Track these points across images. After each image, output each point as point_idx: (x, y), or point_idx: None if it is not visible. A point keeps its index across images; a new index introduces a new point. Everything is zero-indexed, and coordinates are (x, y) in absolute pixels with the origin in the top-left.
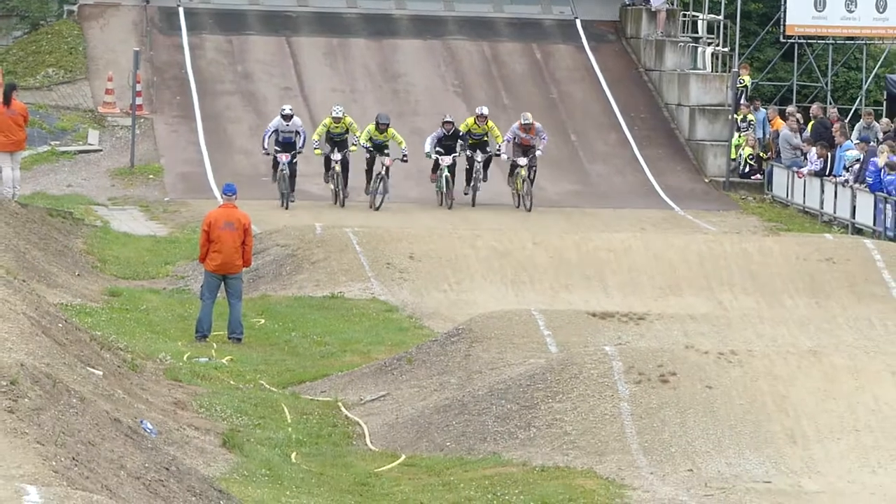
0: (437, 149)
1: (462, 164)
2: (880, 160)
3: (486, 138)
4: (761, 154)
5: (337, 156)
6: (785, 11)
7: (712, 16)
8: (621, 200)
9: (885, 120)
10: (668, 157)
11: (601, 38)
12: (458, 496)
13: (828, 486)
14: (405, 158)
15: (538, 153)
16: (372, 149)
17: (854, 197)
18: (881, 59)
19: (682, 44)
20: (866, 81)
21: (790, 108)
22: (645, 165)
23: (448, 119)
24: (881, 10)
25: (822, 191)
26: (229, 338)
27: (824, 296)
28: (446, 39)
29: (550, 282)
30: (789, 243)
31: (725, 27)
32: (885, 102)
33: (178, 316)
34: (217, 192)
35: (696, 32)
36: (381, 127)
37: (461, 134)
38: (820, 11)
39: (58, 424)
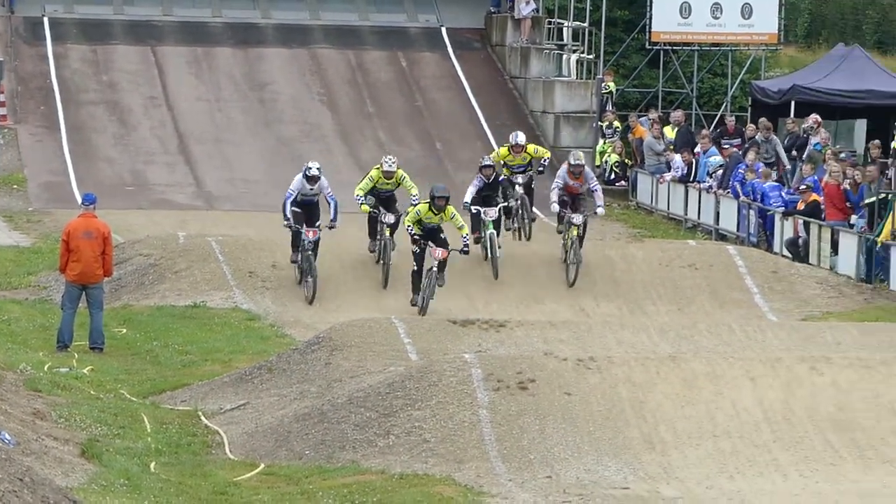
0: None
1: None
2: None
3: (529, 170)
4: (626, 161)
5: (389, 218)
6: (650, 18)
7: (577, 23)
8: None
9: (751, 126)
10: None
11: (466, 46)
12: None
13: (686, 491)
14: (465, 249)
15: (599, 211)
16: (421, 235)
17: (718, 203)
18: (746, 66)
19: (547, 51)
20: (732, 88)
21: (652, 115)
22: None
23: (487, 163)
24: (746, 16)
25: (686, 197)
26: (90, 348)
27: (686, 302)
28: (312, 48)
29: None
30: (653, 249)
31: (591, 34)
32: (749, 108)
33: (39, 326)
34: None
35: (562, 39)
36: (439, 204)
37: (501, 179)
38: (685, 18)
39: None
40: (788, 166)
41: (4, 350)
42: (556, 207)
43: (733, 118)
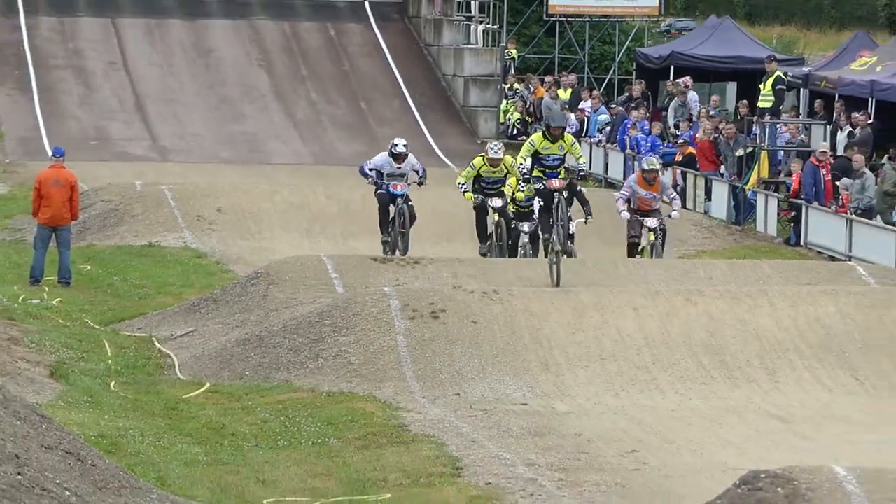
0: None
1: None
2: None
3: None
4: (527, 118)
5: (497, 202)
6: None
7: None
8: None
9: (637, 87)
10: (445, 121)
11: (387, 18)
12: (255, 418)
13: (577, 406)
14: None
15: (674, 215)
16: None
17: (606, 155)
18: (631, 35)
19: (457, 22)
20: (619, 54)
21: (548, 78)
22: (425, 129)
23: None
24: None
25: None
26: (59, 282)
27: (578, 241)
28: (252, 20)
29: (340, 230)
30: None
31: (495, 7)
32: (634, 73)
33: (14, 264)
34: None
35: (470, 12)
36: (555, 133)
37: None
38: None
39: None
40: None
41: None
42: (626, 215)
43: (641, 83)
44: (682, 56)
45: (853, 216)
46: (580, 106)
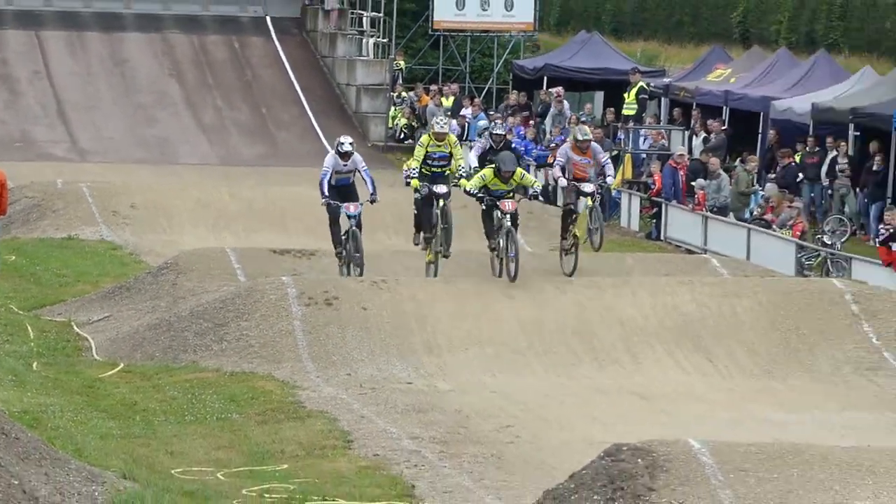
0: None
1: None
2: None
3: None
4: (413, 123)
5: (441, 189)
6: (432, 10)
7: (374, 13)
8: (301, 161)
9: (513, 96)
10: (339, 126)
11: (286, 32)
12: (164, 396)
13: (457, 386)
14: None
15: (609, 180)
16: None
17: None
18: (509, 48)
19: (350, 36)
20: (497, 66)
21: (433, 87)
22: (320, 132)
23: (499, 131)
24: (509, 8)
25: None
26: None
27: (462, 236)
28: (163, 33)
29: (242, 226)
30: None
31: (385, 22)
32: (511, 83)
33: None
34: None
35: (362, 27)
36: (505, 176)
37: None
38: (460, 10)
39: None
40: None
41: None
42: (563, 182)
43: (521, 94)
44: (554, 67)
45: (708, 213)
46: (461, 113)
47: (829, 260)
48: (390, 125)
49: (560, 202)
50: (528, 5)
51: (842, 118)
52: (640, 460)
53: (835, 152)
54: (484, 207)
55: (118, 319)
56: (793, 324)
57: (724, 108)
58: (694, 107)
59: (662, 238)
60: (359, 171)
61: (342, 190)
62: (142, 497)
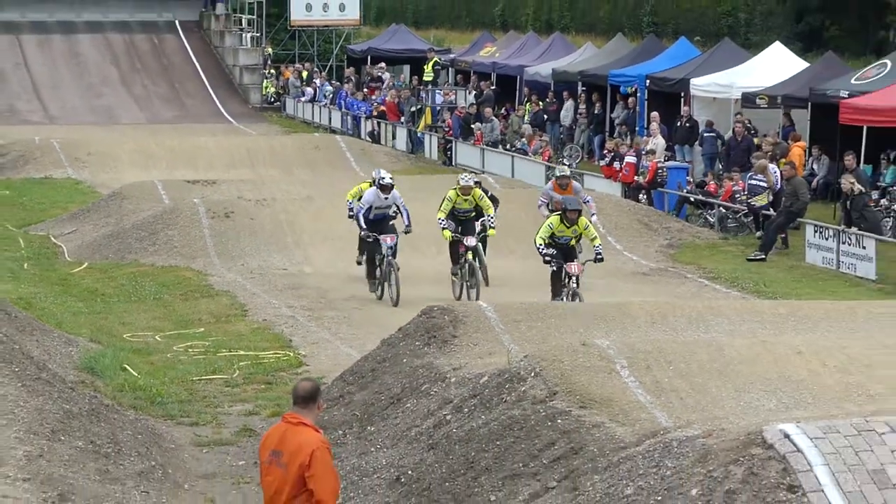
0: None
1: None
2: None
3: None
4: (279, 91)
5: (471, 241)
6: (289, 12)
7: (250, 16)
8: (203, 119)
9: (349, 71)
10: (228, 95)
11: (189, 31)
12: (116, 284)
13: (318, 270)
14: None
15: (594, 219)
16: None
17: (330, 113)
18: (343, 36)
19: (234, 31)
20: (335, 49)
21: (297, 66)
22: (216, 99)
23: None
24: (342, 10)
25: (313, 109)
26: None
27: (317, 169)
28: (105, 34)
29: (165, 164)
30: (295, 138)
31: (257, 21)
32: (346, 61)
33: None
34: None
35: (241, 25)
36: (571, 217)
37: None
38: (309, 12)
39: None
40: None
41: None
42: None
43: (352, 69)
44: (375, 50)
45: (484, 146)
46: (314, 81)
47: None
48: (263, 93)
49: None
50: (356, 6)
51: (573, 78)
52: (446, 317)
53: (570, 101)
54: (554, 269)
55: (82, 232)
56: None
57: (493, 73)
58: (472, 73)
59: (454, 164)
60: (397, 206)
61: (379, 223)
62: (104, 354)
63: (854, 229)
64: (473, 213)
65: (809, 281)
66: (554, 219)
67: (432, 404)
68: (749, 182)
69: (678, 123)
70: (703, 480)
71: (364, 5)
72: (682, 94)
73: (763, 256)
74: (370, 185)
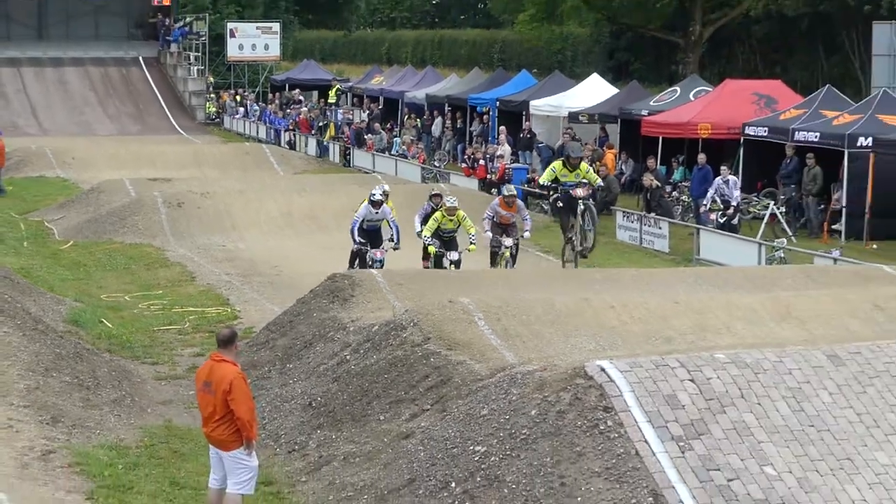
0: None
1: None
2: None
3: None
4: (219, 111)
5: (454, 255)
6: (226, 51)
7: (196, 53)
8: (161, 132)
9: (273, 96)
10: (180, 113)
11: (150, 64)
12: (95, 257)
13: (249, 246)
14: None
15: (526, 235)
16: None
17: (257, 126)
18: (268, 69)
19: (184, 65)
20: (262, 79)
21: (232, 91)
22: (171, 117)
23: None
24: (266, 49)
25: (245, 125)
26: None
27: (247, 170)
28: (85, 67)
29: (131, 166)
30: (231, 146)
31: (202, 57)
32: (270, 87)
33: None
34: None
35: (190, 60)
36: (574, 162)
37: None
38: (241, 50)
39: None
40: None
41: None
42: (489, 234)
43: (276, 94)
44: (293, 79)
45: (376, 153)
46: (245, 103)
47: (437, 174)
48: (206, 112)
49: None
50: (276, 46)
51: (442, 101)
52: (346, 281)
53: (439, 118)
54: (560, 204)
55: (68, 218)
56: None
57: (380, 97)
58: (365, 97)
59: (352, 165)
60: (387, 221)
61: (370, 234)
62: (85, 310)
63: (652, 215)
64: (456, 232)
65: (619, 254)
66: (557, 163)
67: (336, 347)
68: None
69: (521, 135)
70: (540, 403)
71: (283, 45)
72: (524, 113)
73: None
74: (443, 214)
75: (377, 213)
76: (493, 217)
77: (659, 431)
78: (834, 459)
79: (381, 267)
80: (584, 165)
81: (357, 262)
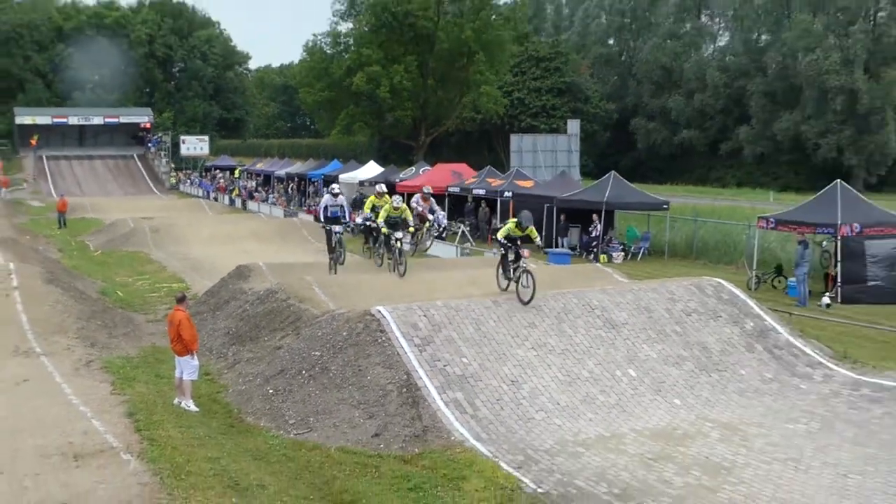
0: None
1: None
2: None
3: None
4: (176, 182)
5: (399, 234)
6: (180, 149)
7: (164, 152)
8: (146, 194)
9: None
10: (157, 183)
11: (141, 159)
12: (112, 259)
13: (194, 253)
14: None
15: (443, 222)
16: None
17: (199, 190)
18: (203, 158)
19: (158, 158)
20: (200, 164)
21: (183, 171)
22: (152, 185)
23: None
24: (202, 149)
25: (190, 188)
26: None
27: (193, 211)
28: (104, 161)
29: (131, 211)
30: (185, 200)
31: (169, 151)
32: (204, 169)
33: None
34: None
35: (161, 156)
36: (525, 225)
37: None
38: (189, 149)
39: None
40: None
41: None
42: (385, 228)
43: (217, 171)
44: (216, 165)
45: (260, 202)
46: (191, 177)
47: (292, 213)
48: (170, 183)
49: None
50: (206, 147)
51: (293, 176)
52: (244, 270)
53: (293, 184)
54: (503, 252)
55: (97, 238)
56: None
57: (262, 174)
58: (253, 174)
59: (247, 210)
60: (343, 207)
61: (332, 219)
62: (107, 287)
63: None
64: (402, 219)
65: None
66: (511, 224)
67: (240, 303)
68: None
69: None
70: (347, 328)
71: (210, 147)
72: (337, 182)
73: None
74: (375, 198)
75: (336, 201)
76: (415, 210)
77: (408, 341)
78: (496, 355)
79: (340, 236)
80: (531, 229)
81: (328, 240)
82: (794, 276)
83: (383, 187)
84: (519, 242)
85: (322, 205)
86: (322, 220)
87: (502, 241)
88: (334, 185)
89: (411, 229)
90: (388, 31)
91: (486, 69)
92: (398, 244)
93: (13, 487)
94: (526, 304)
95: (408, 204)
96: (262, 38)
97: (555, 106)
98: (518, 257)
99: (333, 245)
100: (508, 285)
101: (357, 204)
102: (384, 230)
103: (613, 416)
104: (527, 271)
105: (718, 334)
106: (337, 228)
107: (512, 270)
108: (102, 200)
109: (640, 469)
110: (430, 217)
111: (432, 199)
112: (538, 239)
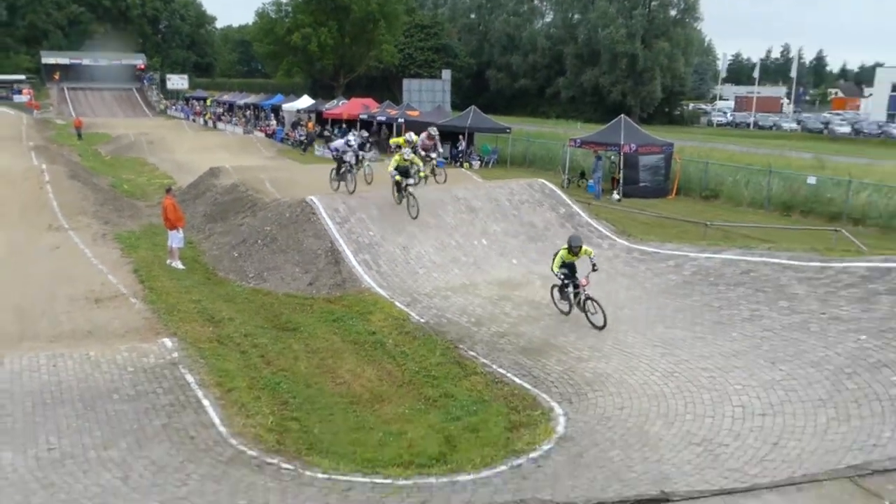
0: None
1: None
2: None
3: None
4: (166, 108)
5: (411, 181)
6: (167, 85)
7: (155, 87)
8: (142, 116)
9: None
10: (150, 109)
11: (139, 90)
12: (119, 162)
13: (178, 159)
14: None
15: (440, 161)
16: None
17: (181, 115)
18: (184, 92)
19: (151, 91)
20: (181, 96)
21: (169, 101)
22: (146, 110)
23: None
24: (183, 83)
25: (175, 112)
26: None
27: (177, 130)
28: (112, 92)
29: (132, 129)
30: (171, 122)
31: (159, 86)
32: (188, 99)
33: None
34: None
35: (154, 88)
36: (575, 250)
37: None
38: (173, 85)
39: None
40: None
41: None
42: (398, 176)
43: (194, 102)
44: (193, 96)
45: (227, 124)
46: (178, 104)
47: (248, 132)
48: (161, 108)
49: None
50: (186, 83)
51: (251, 105)
52: (216, 170)
53: (250, 111)
54: (562, 284)
55: (106, 147)
56: None
57: (228, 102)
58: (222, 103)
59: (217, 129)
60: (352, 147)
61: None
62: (116, 181)
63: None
64: (410, 167)
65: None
66: (563, 251)
67: (212, 193)
68: None
69: (279, 119)
70: (289, 211)
71: (189, 83)
72: (281, 110)
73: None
74: (404, 141)
75: (350, 144)
76: (417, 147)
77: (332, 220)
78: (393, 230)
79: (351, 168)
80: (585, 248)
81: (338, 167)
82: (592, 179)
83: (433, 130)
84: (575, 269)
85: (337, 144)
86: (335, 151)
87: (558, 273)
88: (350, 137)
89: (422, 174)
90: (317, 2)
91: (386, 32)
92: (408, 188)
93: (52, 322)
94: (601, 329)
95: (414, 150)
96: (225, 5)
97: (433, 60)
98: (577, 286)
99: (342, 172)
100: (571, 310)
101: (295, 126)
102: (397, 178)
103: (471, 272)
104: (590, 298)
105: (542, 217)
106: (348, 157)
107: (573, 297)
108: (110, 120)
109: (488, 306)
110: (434, 156)
111: (437, 138)
112: (593, 254)
